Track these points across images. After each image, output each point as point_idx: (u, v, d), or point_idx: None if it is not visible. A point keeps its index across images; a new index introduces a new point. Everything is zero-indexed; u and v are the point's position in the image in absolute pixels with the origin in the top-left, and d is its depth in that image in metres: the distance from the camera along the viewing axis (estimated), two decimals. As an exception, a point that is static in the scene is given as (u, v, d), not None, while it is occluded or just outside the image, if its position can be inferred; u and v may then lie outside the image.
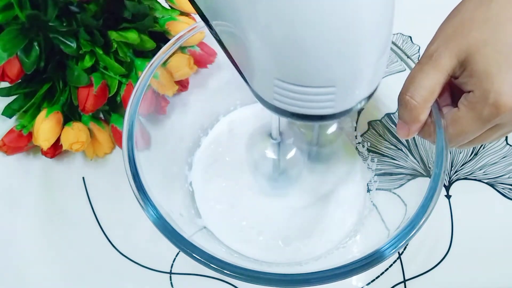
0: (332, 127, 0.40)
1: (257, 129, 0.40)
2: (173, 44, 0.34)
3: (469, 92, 0.28)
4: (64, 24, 0.36)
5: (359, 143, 0.41)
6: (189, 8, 0.40)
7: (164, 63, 0.35)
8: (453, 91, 0.31)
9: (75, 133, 0.38)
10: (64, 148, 0.38)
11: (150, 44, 0.39)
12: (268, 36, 0.19)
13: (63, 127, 0.38)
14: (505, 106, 0.26)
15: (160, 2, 0.41)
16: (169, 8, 0.41)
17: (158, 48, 0.37)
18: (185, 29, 0.35)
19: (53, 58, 0.38)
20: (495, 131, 0.28)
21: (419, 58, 0.30)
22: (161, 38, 0.40)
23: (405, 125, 0.30)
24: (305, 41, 0.18)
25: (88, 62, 0.37)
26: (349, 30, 0.18)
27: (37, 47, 0.36)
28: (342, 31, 0.18)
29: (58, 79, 0.39)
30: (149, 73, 0.33)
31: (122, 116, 0.40)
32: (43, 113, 0.38)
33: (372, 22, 0.19)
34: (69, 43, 0.36)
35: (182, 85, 0.41)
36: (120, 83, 0.39)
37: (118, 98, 0.40)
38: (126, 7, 0.37)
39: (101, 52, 0.38)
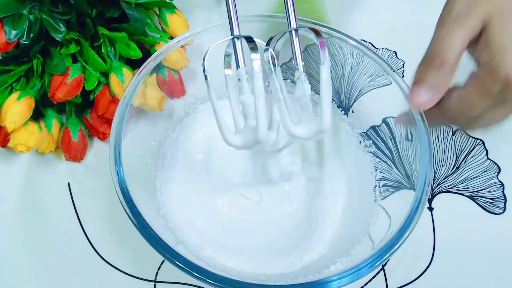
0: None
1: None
2: (154, 59, 0.35)
3: (478, 65, 0.27)
4: (60, 10, 0.37)
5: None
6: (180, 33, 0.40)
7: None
8: None
9: (26, 135, 0.37)
10: (9, 144, 0.37)
11: (135, 52, 0.39)
12: None
13: (32, 114, 0.38)
14: None
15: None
16: (161, 29, 0.42)
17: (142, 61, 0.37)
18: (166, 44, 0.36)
19: (38, 42, 0.37)
20: (505, 106, 0.28)
21: (440, 18, 0.29)
22: (146, 56, 0.40)
23: (428, 91, 0.29)
24: None
25: (73, 48, 0.37)
26: None
27: (26, 21, 0.36)
28: None
29: (37, 63, 0.38)
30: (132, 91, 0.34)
31: (79, 119, 0.40)
32: (15, 94, 0.37)
33: None
34: (58, 27, 0.37)
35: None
36: (99, 82, 0.39)
37: (92, 96, 0.39)
38: (121, 7, 0.37)
39: (86, 44, 0.38)
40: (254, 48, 0.29)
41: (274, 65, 0.30)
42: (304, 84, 0.31)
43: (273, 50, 0.31)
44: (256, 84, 0.28)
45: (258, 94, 0.29)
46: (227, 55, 0.32)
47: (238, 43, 0.30)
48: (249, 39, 0.29)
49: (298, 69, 0.31)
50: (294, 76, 0.33)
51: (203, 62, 0.31)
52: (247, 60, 0.29)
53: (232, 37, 0.31)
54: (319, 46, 0.28)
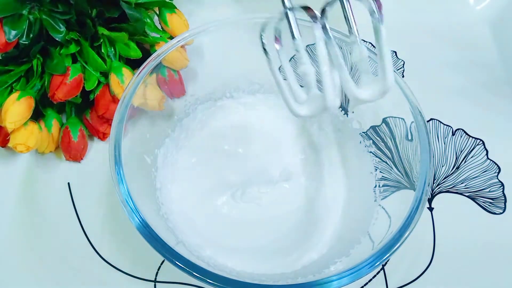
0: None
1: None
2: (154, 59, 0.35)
3: None
4: (59, 10, 0.37)
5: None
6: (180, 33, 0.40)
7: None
8: None
9: (26, 134, 0.37)
10: (9, 144, 0.37)
11: (135, 52, 0.39)
12: None
13: (32, 114, 0.38)
14: None
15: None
16: (161, 29, 0.42)
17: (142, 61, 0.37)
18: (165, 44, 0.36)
19: (38, 42, 0.37)
20: None
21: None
22: (146, 56, 0.40)
23: None
24: None
25: (73, 49, 0.38)
26: None
27: (26, 21, 0.36)
28: None
29: (37, 63, 0.38)
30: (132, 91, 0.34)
31: (79, 119, 0.41)
32: (15, 94, 0.37)
33: None
34: (58, 28, 0.37)
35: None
36: (99, 82, 0.39)
37: (92, 96, 0.40)
38: (121, 7, 0.38)
39: (86, 44, 0.38)
40: (314, 16, 0.28)
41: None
42: (361, 47, 0.31)
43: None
44: (320, 52, 0.28)
45: (322, 60, 0.28)
46: (275, 30, 0.31)
47: (291, 14, 0.30)
48: (307, 8, 0.29)
49: (352, 33, 0.31)
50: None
51: (261, 36, 0.30)
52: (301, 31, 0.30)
53: (285, 10, 0.30)
54: (375, 4, 0.28)
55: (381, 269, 0.37)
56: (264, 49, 0.31)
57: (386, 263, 0.37)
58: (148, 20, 0.40)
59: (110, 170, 0.31)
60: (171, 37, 0.41)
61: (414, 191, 0.31)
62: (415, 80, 0.39)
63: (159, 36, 0.41)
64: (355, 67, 0.34)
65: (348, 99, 0.40)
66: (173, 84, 0.41)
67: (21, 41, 0.36)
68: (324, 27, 0.29)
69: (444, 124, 0.44)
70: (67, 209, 0.39)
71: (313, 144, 0.41)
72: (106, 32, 0.38)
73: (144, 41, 0.40)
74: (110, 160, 0.31)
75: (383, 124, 0.38)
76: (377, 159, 0.38)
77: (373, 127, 0.39)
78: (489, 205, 0.40)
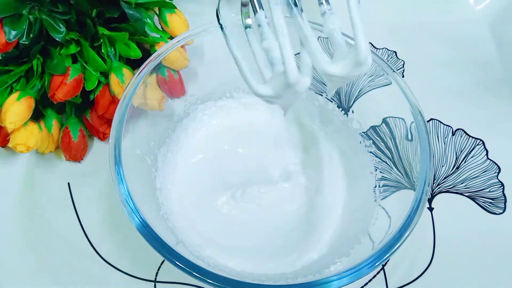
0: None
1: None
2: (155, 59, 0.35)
3: None
4: (59, 10, 0.37)
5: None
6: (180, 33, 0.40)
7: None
8: None
9: (26, 135, 0.37)
10: (9, 144, 0.37)
11: (135, 52, 0.39)
12: None
13: (32, 114, 0.38)
14: None
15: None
16: (161, 29, 0.42)
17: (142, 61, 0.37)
18: (166, 44, 0.36)
19: (38, 42, 0.37)
20: None
21: None
22: (146, 56, 0.40)
23: None
24: None
25: (73, 49, 0.38)
26: None
27: (26, 21, 0.36)
28: None
29: (37, 64, 0.38)
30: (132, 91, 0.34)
31: (79, 119, 0.41)
32: (15, 95, 0.37)
33: None
34: (58, 28, 0.37)
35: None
36: (99, 82, 0.39)
37: (92, 96, 0.40)
38: (121, 7, 0.38)
39: (86, 44, 0.38)
40: None
41: None
42: (332, 17, 0.27)
43: None
44: (276, 20, 0.25)
45: (280, 31, 0.25)
46: (243, 5, 0.29)
47: None
48: None
49: (322, 3, 0.27)
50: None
51: (218, 9, 0.27)
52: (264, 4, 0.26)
53: None
54: None
55: (381, 269, 0.37)
56: (220, 24, 0.28)
57: (386, 263, 0.37)
58: (148, 20, 0.40)
59: (110, 170, 0.31)
60: (171, 37, 0.41)
61: (414, 191, 0.31)
62: (415, 80, 0.40)
63: (159, 36, 0.41)
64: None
65: (347, 99, 0.40)
66: (173, 84, 0.41)
67: (21, 41, 0.36)
68: None
69: (444, 124, 0.44)
70: (67, 209, 0.39)
71: (313, 144, 0.41)
72: (106, 32, 0.38)
73: (144, 41, 0.40)
74: (110, 160, 0.31)
75: (383, 124, 0.38)
76: (377, 159, 0.38)
77: (373, 127, 0.39)
78: (489, 205, 0.40)
